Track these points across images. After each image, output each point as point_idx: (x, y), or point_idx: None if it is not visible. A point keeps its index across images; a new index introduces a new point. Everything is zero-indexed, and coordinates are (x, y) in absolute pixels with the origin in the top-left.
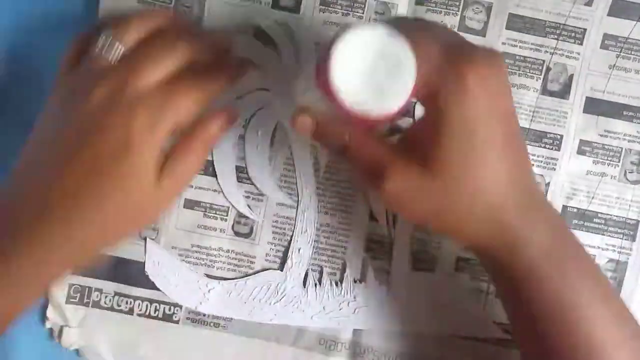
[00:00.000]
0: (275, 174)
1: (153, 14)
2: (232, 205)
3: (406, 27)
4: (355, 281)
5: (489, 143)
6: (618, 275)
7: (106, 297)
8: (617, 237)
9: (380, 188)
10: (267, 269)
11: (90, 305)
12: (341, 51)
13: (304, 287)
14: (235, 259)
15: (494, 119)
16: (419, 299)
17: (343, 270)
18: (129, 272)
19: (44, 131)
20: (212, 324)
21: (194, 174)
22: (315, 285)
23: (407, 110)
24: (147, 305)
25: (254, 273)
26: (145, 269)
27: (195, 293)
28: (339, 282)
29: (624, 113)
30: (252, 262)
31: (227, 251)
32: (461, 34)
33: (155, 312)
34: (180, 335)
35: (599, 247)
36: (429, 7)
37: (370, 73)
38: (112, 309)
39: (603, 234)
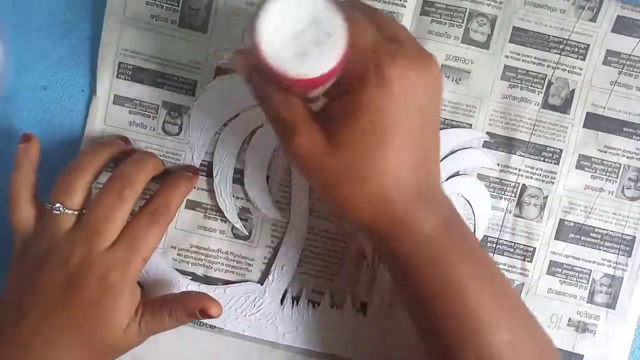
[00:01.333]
0: (272, 193)
1: (93, 160)
2: (228, 220)
3: (348, 2)
4: (332, 307)
5: (393, 133)
6: (613, 290)
7: None
8: (613, 253)
9: (289, 141)
10: (248, 281)
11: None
12: (272, 7)
13: (282, 304)
14: (234, 260)
15: (405, 112)
16: (397, 330)
17: (321, 294)
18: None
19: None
20: (209, 326)
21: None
22: (293, 304)
23: (328, 82)
24: None
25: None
26: None
27: (170, 290)
28: (316, 305)
29: (624, 129)
30: (249, 265)
31: (226, 253)
32: (465, 46)
33: None
34: (179, 337)
35: (594, 262)
36: (433, 18)
37: (297, 35)
38: None
39: (599, 249)
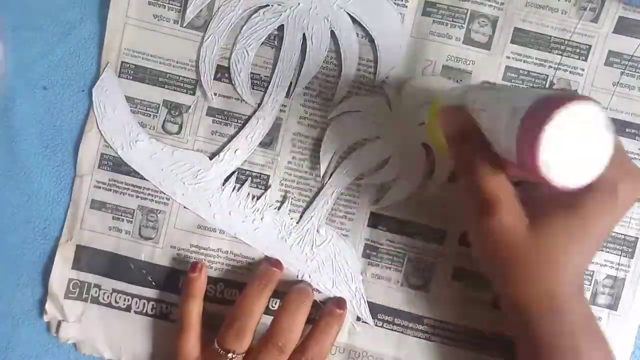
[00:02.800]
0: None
1: (259, 302)
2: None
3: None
4: (271, 206)
5: (595, 237)
6: (615, 291)
7: (104, 293)
8: (616, 254)
9: (489, 216)
10: (199, 151)
11: (88, 300)
12: (554, 128)
13: (222, 185)
14: (234, 260)
15: (612, 223)
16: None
17: (266, 190)
18: (127, 270)
19: None
20: (206, 324)
21: None
22: (233, 189)
23: None
24: (144, 303)
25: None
26: (93, 88)
27: (123, 136)
28: (254, 198)
29: (627, 130)
30: (250, 264)
31: (226, 252)
32: (466, 46)
33: (152, 310)
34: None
35: (597, 263)
36: (435, 19)
37: (573, 146)
38: (110, 305)
39: (602, 250)
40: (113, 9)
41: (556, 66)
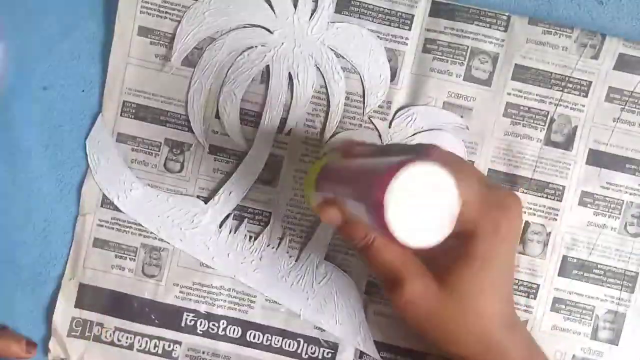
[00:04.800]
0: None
1: None
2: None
3: (443, 160)
4: (268, 245)
5: (502, 273)
6: (616, 326)
7: (107, 331)
8: (616, 289)
9: (395, 294)
10: (193, 197)
11: (91, 339)
12: (396, 189)
13: (220, 227)
14: (237, 297)
15: (510, 253)
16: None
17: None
18: (130, 308)
19: None
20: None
21: None
22: (230, 231)
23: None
24: (147, 341)
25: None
26: (87, 140)
27: (118, 185)
28: (251, 239)
29: (627, 166)
30: (252, 302)
31: (229, 290)
32: (467, 83)
33: (154, 349)
34: None
35: (597, 298)
36: (435, 56)
37: (418, 207)
38: (112, 343)
39: (602, 285)
40: (115, 49)
41: (557, 102)
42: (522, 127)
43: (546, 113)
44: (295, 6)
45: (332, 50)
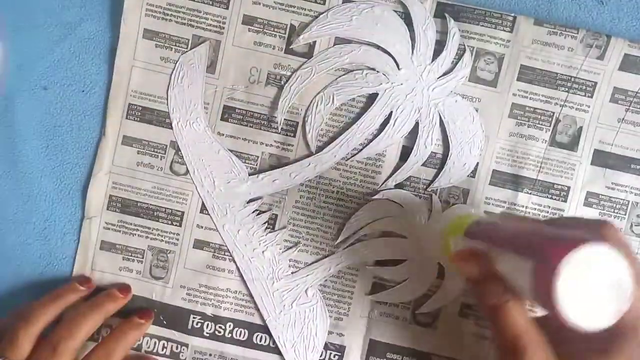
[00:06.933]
0: None
1: (44, 312)
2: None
3: (617, 241)
4: (278, 245)
5: None
6: None
7: None
8: None
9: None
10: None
11: (99, 341)
12: (572, 261)
13: (247, 202)
14: (243, 299)
15: None
16: None
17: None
18: (139, 309)
19: None
20: None
21: None
22: (254, 212)
23: None
24: (155, 343)
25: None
26: (181, 55)
27: (184, 110)
28: (267, 229)
29: (632, 166)
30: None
31: (235, 292)
32: (472, 84)
33: (162, 350)
34: None
35: None
36: None
37: (591, 291)
38: None
39: None
40: (121, 53)
41: (562, 103)
42: (527, 127)
43: (551, 114)
44: (433, 59)
45: (440, 115)
